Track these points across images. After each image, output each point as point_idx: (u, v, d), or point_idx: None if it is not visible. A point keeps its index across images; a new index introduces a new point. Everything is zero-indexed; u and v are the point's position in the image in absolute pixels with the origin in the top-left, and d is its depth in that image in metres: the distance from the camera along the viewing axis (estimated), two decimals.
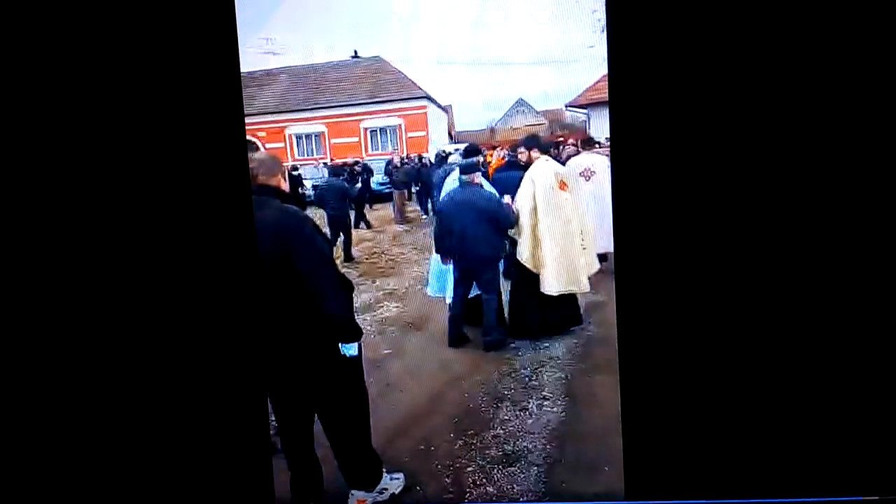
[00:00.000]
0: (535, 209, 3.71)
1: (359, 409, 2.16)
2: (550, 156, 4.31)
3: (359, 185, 8.39)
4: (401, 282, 5.96)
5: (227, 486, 0.81)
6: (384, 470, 2.21)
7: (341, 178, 8.24)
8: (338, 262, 7.55)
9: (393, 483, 2.22)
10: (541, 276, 3.70)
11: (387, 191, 8.68)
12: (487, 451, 2.36)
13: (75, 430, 0.73)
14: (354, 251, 7.47)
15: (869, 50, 0.66)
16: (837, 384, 0.72)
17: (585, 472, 2.16)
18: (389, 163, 8.36)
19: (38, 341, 0.70)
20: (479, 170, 3.79)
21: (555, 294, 3.68)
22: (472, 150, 4.63)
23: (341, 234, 7.52)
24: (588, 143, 6.79)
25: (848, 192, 0.69)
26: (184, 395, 0.76)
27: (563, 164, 5.30)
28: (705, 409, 0.75)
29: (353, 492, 2.16)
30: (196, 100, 0.72)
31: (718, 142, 0.71)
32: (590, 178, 5.38)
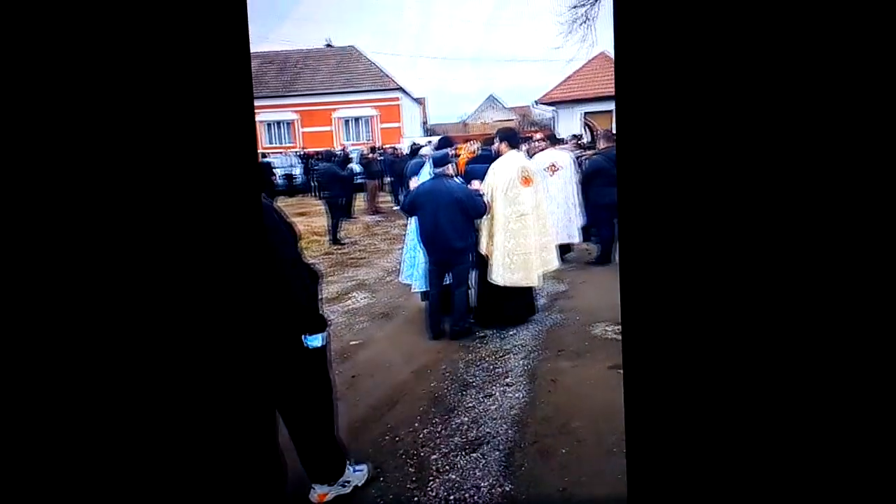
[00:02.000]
0: (493, 200, 3.68)
1: (321, 402, 2.05)
2: (521, 150, 4.31)
3: (351, 166, 8.30)
4: (371, 272, 5.95)
5: (236, 481, 0.81)
6: (348, 462, 2.17)
7: (333, 161, 8.19)
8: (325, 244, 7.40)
9: (356, 475, 2.16)
10: (489, 266, 3.68)
11: (360, 181, 8.58)
12: (452, 439, 2.39)
13: (72, 432, 0.72)
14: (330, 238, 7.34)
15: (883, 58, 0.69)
16: (857, 391, 0.74)
17: (545, 456, 2.21)
18: (362, 154, 8.29)
19: (43, 342, 0.69)
20: (450, 161, 3.76)
21: (502, 285, 3.65)
22: (444, 143, 4.64)
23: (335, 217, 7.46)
24: (554, 140, 6.94)
25: (855, 196, 0.71)
26: (189, 394, 0.76)
27: (529, 158, 5.34)
28: (715, 418, 0.77)
29: (314, 485, 2.08)
30: (204, 91, 0.71)
31: (724, 139, 0.73)
32: (554, 172, 5.45)
